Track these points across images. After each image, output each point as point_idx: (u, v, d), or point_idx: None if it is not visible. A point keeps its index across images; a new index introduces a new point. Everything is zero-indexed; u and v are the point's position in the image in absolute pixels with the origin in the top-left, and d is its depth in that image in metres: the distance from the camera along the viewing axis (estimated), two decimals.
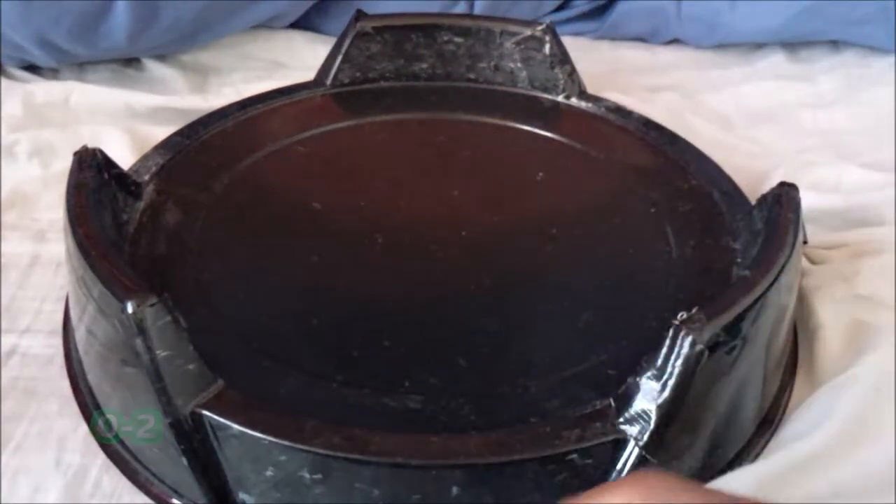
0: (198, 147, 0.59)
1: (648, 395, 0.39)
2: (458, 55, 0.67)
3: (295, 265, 0.51)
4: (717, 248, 0.52)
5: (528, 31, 0.66)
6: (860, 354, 0.48)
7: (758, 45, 0.86)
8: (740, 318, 0.40)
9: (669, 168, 0.59)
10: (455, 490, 0.38)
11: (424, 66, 0.67)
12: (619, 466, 0.39)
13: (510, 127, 0.63)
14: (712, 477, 0.42)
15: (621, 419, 0.39)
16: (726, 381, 0.41)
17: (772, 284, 0.43)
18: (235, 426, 0.38)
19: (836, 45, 0.85)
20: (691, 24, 0.84)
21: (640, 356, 0.40)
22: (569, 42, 0.67)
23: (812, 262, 0.57)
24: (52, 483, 0.44)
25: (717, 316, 0.39)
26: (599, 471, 0.39)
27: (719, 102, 0.77)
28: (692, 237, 0.52)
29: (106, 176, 0.50)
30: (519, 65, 0.66)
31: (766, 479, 0.41)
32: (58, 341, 0.51)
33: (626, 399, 0.39)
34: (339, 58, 0.66)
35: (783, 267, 0.44)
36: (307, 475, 0.38)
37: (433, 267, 0.51)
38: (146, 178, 0.55)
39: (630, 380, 0.40)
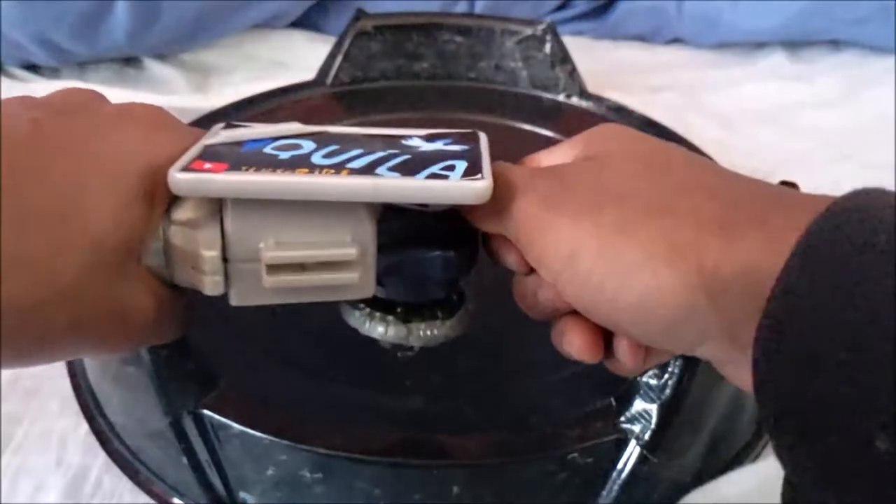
0: None
1: (649, 395, 0.39)
2: (458, 54, 0.67)
3: None
4: None
5: (528, 31, 0.66)
6: None
7: (758, 45, 0.86)
8: None
9: None
10: (456, 490, 0.38)
11: (425, 65, 0.67)
12: (620, 465, 0.39)
13: (511, 126, 0.63)
14: (713, 476, 0.42)
15: (622, 418, 0.39)
16: (727, 380, 0.41)
17: None
18: (236, 426, 0.38)
19: (836, 44, 0.85)
20: (692, 23, 0.84)
21: None
22: (569, 41, 0.67)
23: None
24: (53, 483, 0.44)
25: None
26: (601, 470, 0.39)
27: (720, 102, 0.78)
28: None
29: None
30: (519, 64, 0.67)
31: (766, 479, 0.41)
32: None
33: (627, 398, 0.39)
34: (340, 57, 0.66)
35: None
36: (308, 474, 0.38)
37: None
38: None
39: (631, 379, 0.40)
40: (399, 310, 0.34)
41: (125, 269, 0.28)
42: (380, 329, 0.34)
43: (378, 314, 0.34)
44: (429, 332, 0.35)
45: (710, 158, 0.59)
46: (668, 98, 0.77)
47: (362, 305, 0.34)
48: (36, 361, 0.27)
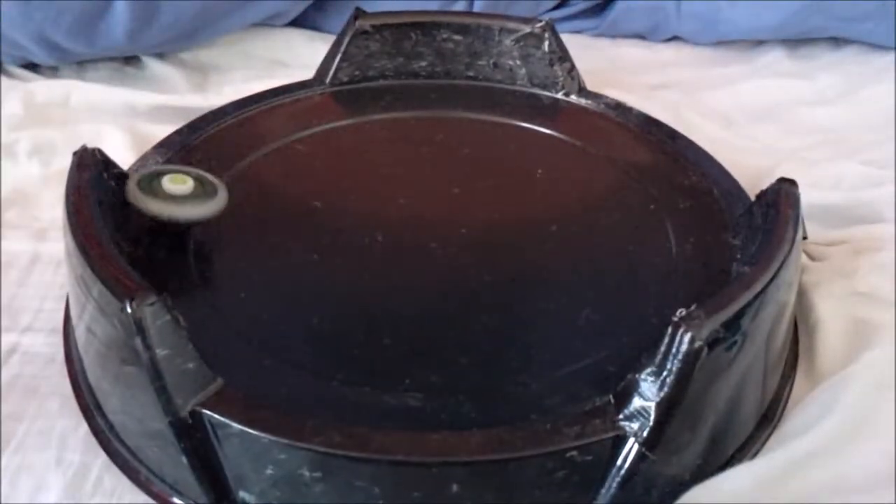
0: (197, 146, 0.59)
1: (648, 392, 0.39)
2: (457, 53, 0.67)
3: (295, 263, 0.51)
4: (717, 245, 0.52)
5: (527, 29, 0.66)
6: (860, 351, 0.48)
7: (758, 43, 0.86)
8: (740, 314, 0.40)
9: (669, 165, 0.59)
10: (455, 487, 0.38)
11: (424, 63, 0.67)
12: (618, 463, 0.39)
13: (510, 124, 0.63)
14: (712, 473, 0.42)
15: (621, 416, 0.39)
16: (726, 377, 0.41)
17: (771, 281, 0.43)
18: (235, 425, 0.38)
19: (836, 42, 0.84)
20: (691, 21, 0.84)
21: (640, 353, 0.40)
22: (568, 39, 0.67)
23: (811, 258, 0.57)
24: (52, 482, 0.44)
25: (717, 313, 0.39)
26: (599, 467, 0.39)
27: (719, 100, 0.77)
28: (692, 233, 0.52)
29: (106, 175, 0.50)
30: (518, 62, 0.67)
31: (765, 476, 0.41)
32: (58, 340, 0.51)
33: (626, 396, 0.39)
34: (339, 56, 0.66)
35: (783, 263, 0.44)
36: (307, 473, 0.38)
37: (433, 264, 0.51)
38: None
39: (630, 376, 0.40)
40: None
41: None
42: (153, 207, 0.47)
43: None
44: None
45: (711, 156, 0.59)
46: (668, 96, 0.76)
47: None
48: None
